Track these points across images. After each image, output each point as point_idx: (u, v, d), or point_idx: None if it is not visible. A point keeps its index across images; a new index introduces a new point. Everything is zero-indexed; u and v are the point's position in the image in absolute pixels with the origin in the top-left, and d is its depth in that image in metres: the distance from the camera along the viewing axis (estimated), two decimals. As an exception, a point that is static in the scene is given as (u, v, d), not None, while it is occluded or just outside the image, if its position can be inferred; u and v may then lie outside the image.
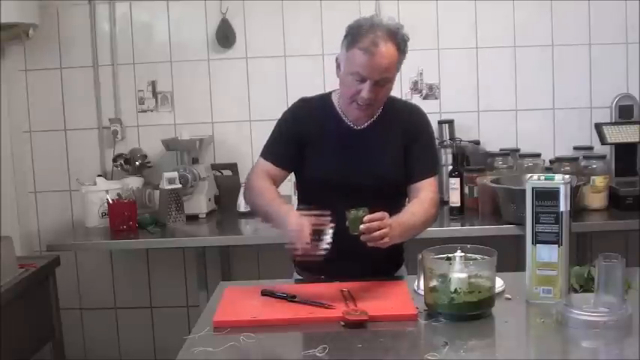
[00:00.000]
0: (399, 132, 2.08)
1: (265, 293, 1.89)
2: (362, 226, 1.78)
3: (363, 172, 1.90)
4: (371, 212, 1.82)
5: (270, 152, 2.11)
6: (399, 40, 1.95)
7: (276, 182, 2.10)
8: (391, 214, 1.98)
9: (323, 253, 1.81)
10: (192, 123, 3.43)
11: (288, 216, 1.88)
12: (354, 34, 1.94)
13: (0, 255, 2.42)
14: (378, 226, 1.79)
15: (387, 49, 1.92)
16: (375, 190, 1.99)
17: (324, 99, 2.14)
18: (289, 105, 2.19)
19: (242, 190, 2.18)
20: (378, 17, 2.00)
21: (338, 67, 2.03)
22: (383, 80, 1.96)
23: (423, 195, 2.03)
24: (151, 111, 3.48)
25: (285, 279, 2.22)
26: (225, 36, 3.40)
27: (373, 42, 1.90)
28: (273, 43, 3.41)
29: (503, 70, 3.40)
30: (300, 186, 2.22)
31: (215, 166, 3.41)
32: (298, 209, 2.03)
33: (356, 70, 1.93)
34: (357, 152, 2.05)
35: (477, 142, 3.34)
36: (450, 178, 2.97)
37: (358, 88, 1.95)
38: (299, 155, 2.07)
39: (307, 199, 2.15)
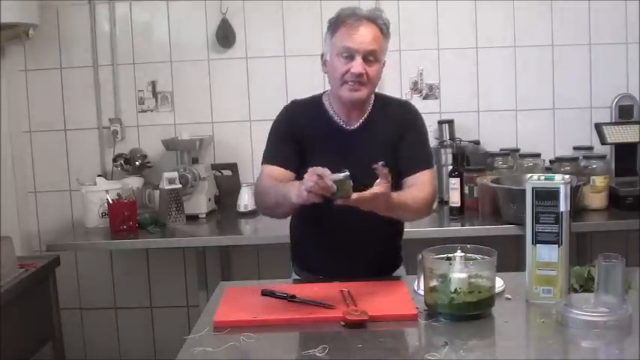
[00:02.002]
0: (392, 129, 2.08)
1: (265, 293, 1.89)
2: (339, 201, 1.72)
3: (357, 172, 1.90)
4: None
5: (271, 156, 2.09)
6: (380, 23, 2.02)
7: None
8: None
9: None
10: (192, 123, 3.43)
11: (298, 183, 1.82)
12: (336, 21, 2.03)
13: (0, 255, 2.42)
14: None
15: (370, 26, 2.00)
16: (368, 185, 1.97)
17: (315, 100, 2.15)
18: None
19: (254, 197, 2.14)
20: (358, 7, 2.06)
21: (324, 63, 2.08)
22: (371, 55, 1.99)
23: (420, 186, 2.02)
24: (151, 111, 3.48)
25: (285, 279, 2.22)
26: (225, 36, 3.40)
27: (357, 20, 1.99)
28: (273, 43, 3.41)
29: (503, 70, 3.40)
30: None
31: (215, 166, 3.41)
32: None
33: (343, 45, 1.98)
34: (350, 152, 2.04)
35: (477, 142, 3.34)
36: (450, 178, 2.97)
37: (348, 66, 1.99)
38: (299, 154, 2.05)
39: None
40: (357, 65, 1.97)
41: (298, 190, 1.76)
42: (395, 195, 1.86)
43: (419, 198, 1.97)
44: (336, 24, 2.02)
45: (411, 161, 2.05)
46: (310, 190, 1.70)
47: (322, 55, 2.09)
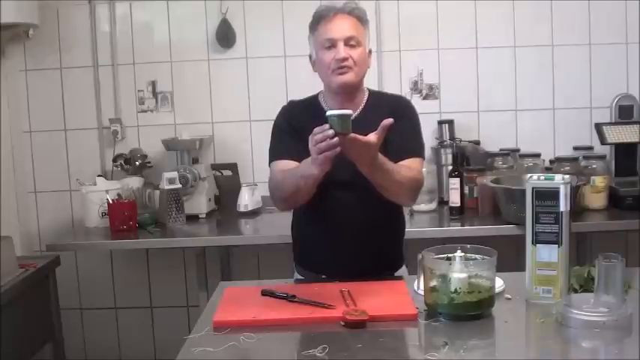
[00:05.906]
0: (385, 119, 2.08)
1: (265, 293, 1.89)
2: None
3: (352, 163, 1.90)
4: (365, 203, 2.02)
5: (278, 152, 2.13)
6: (356, 13, 2.10)
7: None
8: (385, 206, 2.04)
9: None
10: (192, 123, 3.43)
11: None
12: (314, 20, 2.13)
13: (0, 255, 2.42)
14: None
15: (346, 17, 2.08)
16: (368, 182, 1.98)
17: (311, 99, 2.21)
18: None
19: (270, 195, 2.15)
20: (332, 3, 2.13)
21: (313, 63, 2.16)
22: (352, 40, 2.06)
23: (408, 168, 2.04)
24: (151, 111, 3.48)
25: (285, 279, 2.22)
26: (225, 36, 3.40)
27: (333, 13, 2.09)
28: (273, 43, 3.41)
29: (503, 70, 3.40)
30: None
31: (215, 166, 3.41)
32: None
33: (324, 37, 2.07)
34: None
35: (477, 142, 3.34)
36: (450, 178, 2.97)
37: (332, 54, 2.06)
38: (303, 147, 2.06)
39: None
40: (341, 51, 2.04)
41: (312, 160, 1.85)
42: (382, 157, 1.90)
43: (404, 172, 1.99)
44: (315, 23, 2.11)
45: (402, 148, 2.06)
46: (320, 150, 1.79)
47: (310, 57, 2.17)
